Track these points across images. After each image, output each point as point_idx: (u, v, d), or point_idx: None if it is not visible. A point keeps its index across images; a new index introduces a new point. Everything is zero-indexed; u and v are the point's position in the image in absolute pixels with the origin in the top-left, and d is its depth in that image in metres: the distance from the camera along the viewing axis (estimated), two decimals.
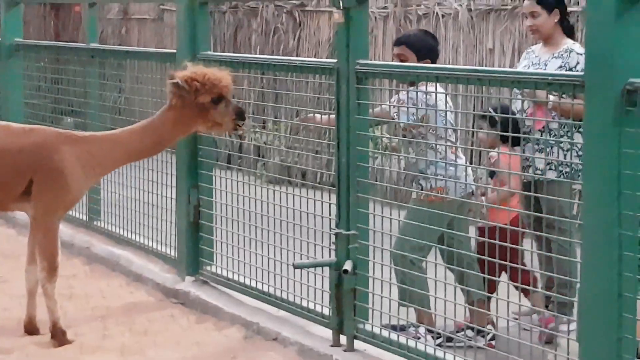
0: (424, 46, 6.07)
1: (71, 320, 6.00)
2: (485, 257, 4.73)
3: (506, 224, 5.50)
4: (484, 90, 5.05)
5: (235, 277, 6.33)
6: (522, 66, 6.31)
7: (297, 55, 11.25)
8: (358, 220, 5.36)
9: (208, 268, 6.61)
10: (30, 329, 5.92)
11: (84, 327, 6.04)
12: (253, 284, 6.17)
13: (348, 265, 5.33)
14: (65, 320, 5.85)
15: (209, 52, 6.67)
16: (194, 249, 6.66)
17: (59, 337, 5.76)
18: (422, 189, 5.86)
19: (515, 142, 5.78)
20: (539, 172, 5.96)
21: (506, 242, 4.81)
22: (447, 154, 5.59)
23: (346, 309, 5.38)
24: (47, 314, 5.79)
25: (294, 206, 5.87)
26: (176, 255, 6.85)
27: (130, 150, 5.82)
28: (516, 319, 5.68)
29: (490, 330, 5.63)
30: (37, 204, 5.71)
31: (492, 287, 5.46)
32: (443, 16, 9.71)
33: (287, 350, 5.56)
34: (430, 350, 4.94)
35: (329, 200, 5.57)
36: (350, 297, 5.37)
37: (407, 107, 5.67)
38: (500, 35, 9.22)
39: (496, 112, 5.71)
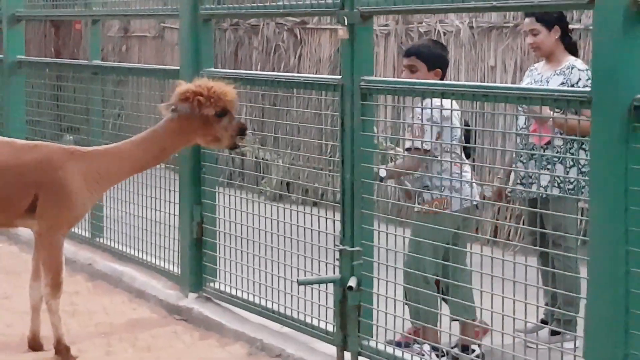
0: (434, 56, 6.07)
1: (74, 337, 6.00)
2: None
3: None
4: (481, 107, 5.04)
5: (239, 294, 6.33)
6: (525, 83, 6.33)
7: (298, 73, 11.26)
8: (362, 236, 5.36)
9: (211, 285, 6.60)
10: (34, 345, 5.92)
11: (87, 344, 6.04)
12: (257, 301, 6.17)
13: (353, 282, 5.32)
14: (68, 336, 5.85)
15: (212, 69, 6.67)
16: (197, 265, 6.66)
17: (63, 353, 5.75)
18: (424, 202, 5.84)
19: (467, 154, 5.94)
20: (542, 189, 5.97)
21: None
22: (451, 168, 5.61)
23: (350, 325, 5.37)
24: (50, 330, 5.79)
25: (297, 223, 5.87)
26: (179, 272, 6.85)
27: (134, 161, 5.83)
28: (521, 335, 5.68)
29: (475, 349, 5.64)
30: (42, 220, 5.71)
31: None
32: (445, 33, 9.72)
33: None
34: None
35: (333, 216, 5.57)
36: (355, 314, 5.36)
37: (431, 126, 5.60)
38: (502, 52, 9.24)
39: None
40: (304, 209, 5.85)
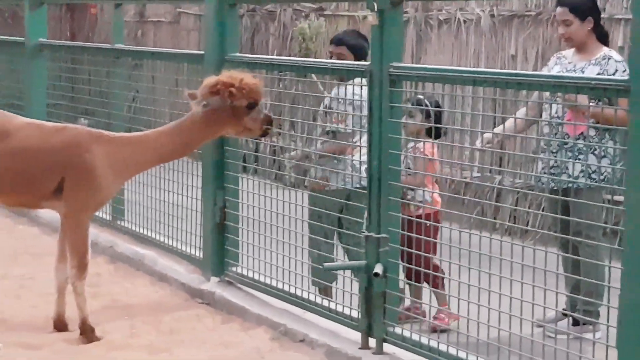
0: (361, 46, 6.60)
1: (98, 319, 6.00)
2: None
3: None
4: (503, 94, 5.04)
5: (261, 279, 6.34)
6: (555, 72, 6.29)
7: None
8: (389, 223, 5.37)
9: (233, 269, 6.62)
10: (59, 325, 5.95)
11: (110, 325, 6.05)
12: (280, 286, 6.18)
13: (379, 269, 5.33)
14: (92, 318, 5.86)
15: (237, 54, 6.67)
16: (220, 249, 6.67)
17: (87, 334, 5.78)
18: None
19: (437, 135, 6.38)
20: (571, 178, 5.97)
21: (421, 235, 5.39)
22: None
23: (376, 311, 5.38)
24: (75, 311, 5.82)
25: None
26: (201, 256, 6.86)
27: (160, 151, 5.84)
28: (540, 325, 5.70)
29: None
30: (68, 203, 5.74)
31: (435, 282, 5.85)
32: (465, 22, 9.71)
33: (315, 352, 5.56)
34: (462, 355, 4.94)
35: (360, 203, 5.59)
36: (380, 300, 5.37)
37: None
38: (524, 41, 9.22)
39: (424, 104, 6.28)
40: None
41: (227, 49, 6.63)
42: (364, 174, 5.95)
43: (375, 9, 5.32)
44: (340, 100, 6.39)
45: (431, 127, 6.24)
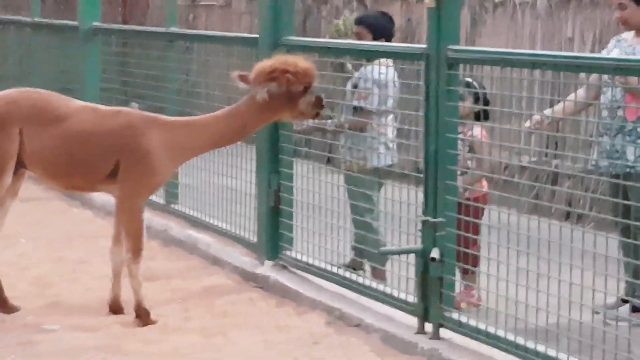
0: (381, 26, 6.80)
1: (152, 302, 6.01)
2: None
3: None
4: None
5: (316, 263, 6.32)
6: (614, 55, 6.19)
7: None
8: (446, 207, 5.32)
9: (287, 253, 6.60)
10: (115, 308, 5.97)
11: (165, 308, 6.07)
12: (334, 270, 6.16)
13: (435, 253, 5.29)
14: (146, 301, 5.88)
15: (292, 37, 6.63)
16: (274, 233, 6.65)
17: (143, 317, 5.80)
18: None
19: (485, 118, 6.35)
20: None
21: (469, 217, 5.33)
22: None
23: (432, 296, 5.34)
24: (130, 294, 5.84)
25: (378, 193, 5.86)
26: (255, 240, 6.85)
27: (215, 135, 5.83)
28: (597, 312, 5.62)
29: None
30: (123, 186, 5.75)
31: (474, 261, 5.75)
32: (520, 4, 9.60)
33: (371, 336, 5.53)
34: (520, 341, 4.89)
35: (415, 187, 5.54)
36: (437, 285, 5.33)
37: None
38: (581, 24, 9.10)
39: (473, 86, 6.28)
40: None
41: (281, 32, 6.59)
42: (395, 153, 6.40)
43: None
44: (367, 79, 6.60)
45: (479, 110, 6.19)
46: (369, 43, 6.65)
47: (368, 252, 6.23)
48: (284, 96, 5.65)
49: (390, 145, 6.67)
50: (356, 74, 6.91)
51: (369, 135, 6.58)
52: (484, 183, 6.55)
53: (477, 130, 6.30)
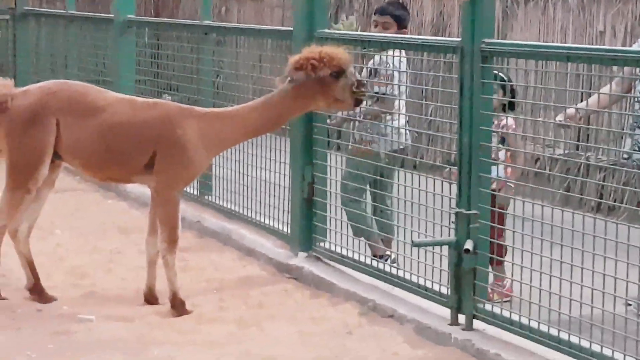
0: (404, 17, 6.97)
1: (187, 292, 6.07)
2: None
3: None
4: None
5: (349, 254, 6.36)
6: None
7: None
8: (479, 199, 5.35)
9: (321, 244, 6.65)
10: (150, 298, 6.03)
11: (200, 299, 6.12)
12: (368, 261, 6.20)
13: (469, 245, 5.32)
14: (182, 291, 5.93)
15: (326, 30, 6.66)
16: (308, 225, 6.69)
17: (178, 307, 5.85)
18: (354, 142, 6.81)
19: (512, 109, 6.48)
20: None
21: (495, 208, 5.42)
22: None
23: (466, 288, 5.37)
24: (165, 284, 5.90)
25: (412, 184, 5.88)
26: (289, 231, 6.90)
27: (250, 126, 5.88)
28: (630, 304, 5.63)
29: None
30: (159, 177, 5.80)
31: (500, 251, 5.73)
32: None
33: (404, 327, 5.57)
34: (553, 332, 4.91)
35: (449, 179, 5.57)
36: (471, 277, 5.36)
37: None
38: (612, 18, 9.08)
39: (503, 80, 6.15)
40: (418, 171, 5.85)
41: (316, 25, 6.63)
42: (403, 139, 6.63)
43: None
44: (385, 67, 6.66)
45: (506, 102, 6.26)
46: (404, 36, 6.68)
47: (362, 230, 6.57)
48: (315, 83, 5.67)
49: (402, 131, 6.76)
50: (370, 63, 6.91)
51: (381, 124, 6.69)
52: (509, 170, 6.55)
53: (510, 121, 6.33)
